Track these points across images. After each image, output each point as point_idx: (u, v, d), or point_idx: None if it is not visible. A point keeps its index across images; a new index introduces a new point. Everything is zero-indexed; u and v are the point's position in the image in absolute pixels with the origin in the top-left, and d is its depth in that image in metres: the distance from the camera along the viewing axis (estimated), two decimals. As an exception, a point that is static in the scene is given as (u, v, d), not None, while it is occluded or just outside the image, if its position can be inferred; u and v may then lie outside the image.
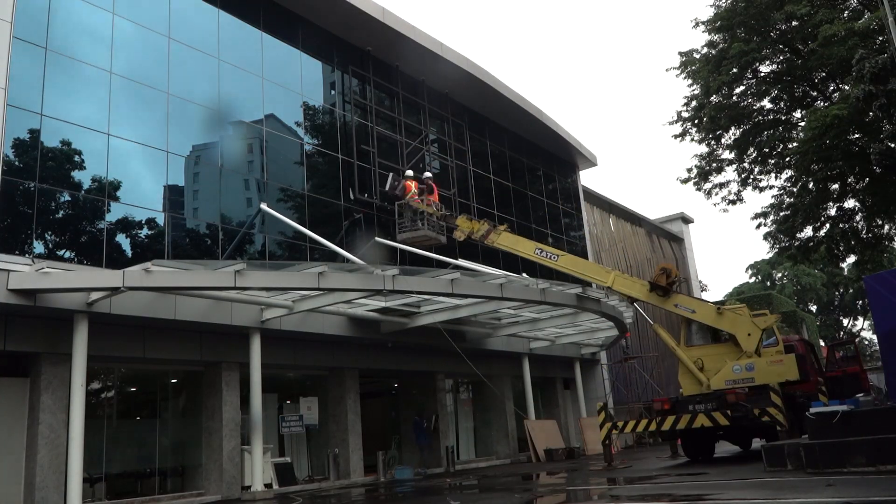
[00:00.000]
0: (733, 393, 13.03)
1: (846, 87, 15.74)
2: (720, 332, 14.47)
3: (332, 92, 18.12)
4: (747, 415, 12.72)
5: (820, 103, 17.85)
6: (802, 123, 17.40)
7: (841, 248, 20.09)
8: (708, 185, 20.66)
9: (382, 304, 15.10)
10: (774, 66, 18.78)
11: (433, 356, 18.57)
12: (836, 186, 18.57)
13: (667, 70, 20.17)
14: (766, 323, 14.03)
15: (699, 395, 13.79)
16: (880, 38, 15.31)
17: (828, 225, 19.55)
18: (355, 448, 16.18)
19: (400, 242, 16.94)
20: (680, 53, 19.72)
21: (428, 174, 18.58)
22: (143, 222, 13.11)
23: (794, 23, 17.17)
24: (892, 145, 15.15)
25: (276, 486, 14.02)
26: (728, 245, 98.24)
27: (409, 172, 17.99)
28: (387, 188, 17.41)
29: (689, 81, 19.47)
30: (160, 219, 13.35)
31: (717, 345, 14.67)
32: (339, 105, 18.09)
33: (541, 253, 15.63)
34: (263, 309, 13.55)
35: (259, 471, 13.08)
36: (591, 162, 28.64)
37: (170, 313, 12.17)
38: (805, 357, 15.36)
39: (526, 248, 15.79)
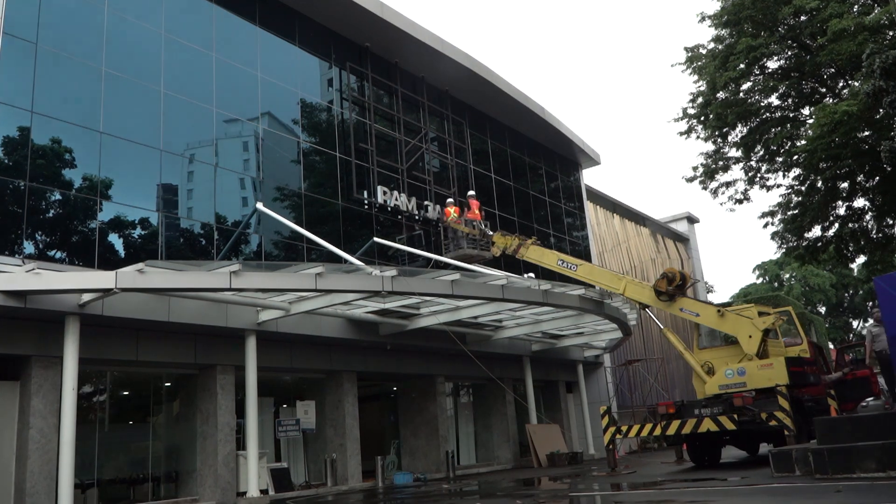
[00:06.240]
0: (740, 397, 12.81)
1: (856, 84, 15.44)
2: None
3: (330, 89, 17.89)
4: (754, 419, 12.51)
5: (829, 100, 17.54)
6: (811, 121, 17.10)
7: (850, 249, 19.78)
8: (714, 184, 20.40)
9: (381, 306, 14.87)
10: (782, 62, 18.48)
11: (433, 359, 18.33)
12: (845, 185, 18.27)
13: (672, 66, 20.06)
14: (766, 323, 13.82)
15: (705, 398, 13.64)
16: (891, 33, 15.04)
17: (837, 224, 19.25)
18: (353, 453, 15.93)
19: (451, 259, 17.40)
20: (686, 49, 19.44)
21: (471, 192, 19.57)
22: (137, 222, 12.90)
23: (802, 17, 16.90)
24: (903, 143, 14.80)
25: (272, 492, 13.79)
26: (735, 245, 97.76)
27: (450, 200, 18.95)
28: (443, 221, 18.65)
29: (695, 77, 19.20)
30: (154, 218, 13.14)
31: (727, 347, 14.60)
32: (337, 102, 17.85)
33: (562, 264, 16.50)
34: (259, 310, 13.35)
35: (255, 476, 12.86)
36: (594, 160, 28.33)
37: (164, 315, 11.96)
38: (814, 360, 15.11)
39: (550, 259, 16.79)
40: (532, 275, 17.37)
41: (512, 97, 22.65)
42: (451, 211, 18.36)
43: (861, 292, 49.77)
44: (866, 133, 15.82)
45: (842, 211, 19.26)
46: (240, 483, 13.26)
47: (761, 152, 19.37)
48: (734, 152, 19.92)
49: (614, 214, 32.41)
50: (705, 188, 20.47)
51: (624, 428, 14.27)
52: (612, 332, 20.29)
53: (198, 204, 14.07)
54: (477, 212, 18.69)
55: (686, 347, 15.10)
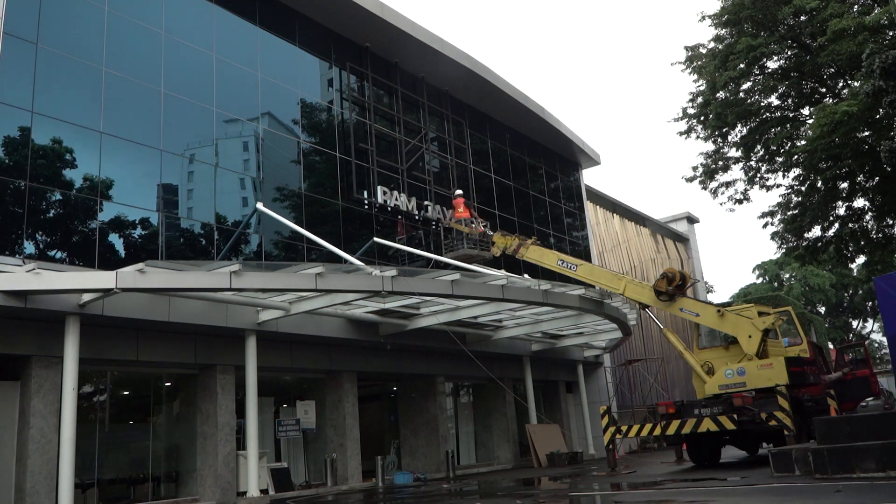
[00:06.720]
0: (740, 397, 12.81)
1: (856, 84, 15.43)
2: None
3: (330, 89, 17.88)
4: (754, 419, 12.51)
5: (829, 100, 17.54)
6: (811, 121, 17.10)
7: (850, 249, 19.78)
8: (714, 184, 20.41)
9: (381, 306, 14.86)
10: (782, 62, 18.49)
11: (433, 359, 18.32)
12: (845, 185, 18.27)
13: (672, 65, 20.11)
14: (766, 323, 13.82)
15: (704, 398, 13.66)
16: (891, 33, 15.03)
17: (837, 224, 19.25)
18: (353, 453, 15.92)
19: (451, 259, 17.39)
20: (686, 48, 19.45)
21: (459, 191, 19.61)
22: (137, 222, 12.89)
23: (802, 17, 16.90)
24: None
25: (272, 492, 13.78)
26: (735, 245, 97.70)
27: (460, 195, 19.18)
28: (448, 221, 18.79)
29: (695, 77, 19.21)
30: (154, 218, 13.13)
31: (727, 347, 14.64)
32: (337, 102, 17.84)
33: (562, 264, 16.64)
34: (259, 310, 13.33)
35: (255, 476, 12.85)
36: (593, 160, 28.31)
37: (164, 315, 11.95)
38: (813, 360, 15.12)
39: (550, 259, 16.92)
40: (527, 276, 17.38)
41: (512, 97, 22.64)
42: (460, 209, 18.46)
43: (861, 292, 49.72)
44: (866, 133, 15.81)
45: (842, 211, 19.26)
46: (240, 483, 13.26)
47: (761, 152, 19.36)
48: (734, 152, 19.94)
49: (614, 214, 32.39)
50: (705, 188, 20.49)
51: (624, 428, 14.28)
52: (612, 332, 20.28)
53: (198, 204, 14.06)
54: (461, 209, 18.71)
55: (686, 347, 15.11)
